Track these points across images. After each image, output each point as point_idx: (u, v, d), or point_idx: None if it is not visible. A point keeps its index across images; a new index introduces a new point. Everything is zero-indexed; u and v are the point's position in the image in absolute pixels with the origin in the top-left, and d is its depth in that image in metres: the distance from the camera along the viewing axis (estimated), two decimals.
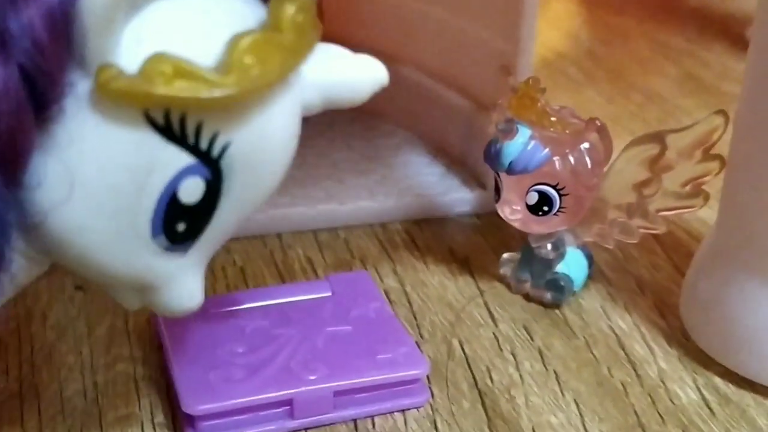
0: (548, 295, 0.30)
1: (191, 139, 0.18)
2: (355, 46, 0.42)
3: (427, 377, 0.27)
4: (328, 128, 0.40)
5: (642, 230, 0.29)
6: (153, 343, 0.28)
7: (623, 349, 0.28)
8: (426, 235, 0.34)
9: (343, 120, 0.41)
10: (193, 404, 0.24)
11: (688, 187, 0.28)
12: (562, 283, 0.30)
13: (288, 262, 0.32)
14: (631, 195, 0.29)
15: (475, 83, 0.37)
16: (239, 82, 0.17)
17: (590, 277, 0.31)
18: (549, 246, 0.30)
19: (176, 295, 0.20)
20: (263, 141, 0.19)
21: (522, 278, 0.30)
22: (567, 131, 0.28)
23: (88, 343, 0.28)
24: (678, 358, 0.28)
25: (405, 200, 0.36)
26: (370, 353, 0.26)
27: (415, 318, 0.30)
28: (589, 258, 0.31)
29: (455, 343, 0.29)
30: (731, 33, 0.52)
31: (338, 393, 0.25)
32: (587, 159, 0.28)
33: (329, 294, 0.28)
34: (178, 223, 0.19)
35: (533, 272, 0.30)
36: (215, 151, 0.18)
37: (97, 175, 0.17)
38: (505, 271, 0.31)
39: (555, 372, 0.27)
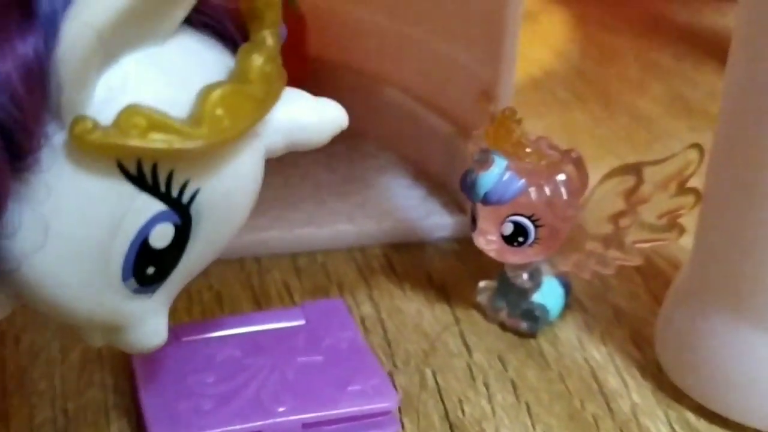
0: (524, 325, 0.30)
1: (162, 188, 0.18)
2: (338, 68, 0.42)
3: (399, 408, 0.27)
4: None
5: (618, 262, 0.29)
6: (126, 370, 0.28)
7: (596, 381, 0.28)
8: (404, 259, 0.34)
9: None
10: None
11: (663, 220, 0.28)
12: (537, 314, 0.30)
13: (264, 287, 0.32)
14: (607, 226, 0.29)
15: (456, 107, 0.37)
16: (210, 134, 0.18)
17: (567, 306, 0.31)
18: (525, 275, 0.30)
19: (141, 334, 0.21)
20: (231, 187, 0.20)
21: (498, 307, 0.30)
22: (543, 162, 0.28)
23: (60, 369, 0.28)
24: (651, 392, 0.28)
25: (385, 224, 0.35)
26: (341, 384, 0.26)
27: (389, 346, 0.30)
28: (566, 287, 0.31)
29: (428, 372, 0.28)
30: (721, 53, 0.52)
31: (307, 425, 0.25)
32: (563, 190, 0.28)
33: (302, 322, 0.28)
34: (148, 266, 0.19)
35: (509, 301, 0.30)
36: (185, 198, 0.19)
37: (71, 224, 0.18)
38: (481, 299, 0.31)
39: (527, 404, 0.27)
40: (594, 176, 0.29)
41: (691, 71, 0.51)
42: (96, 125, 0.17)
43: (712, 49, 0.53)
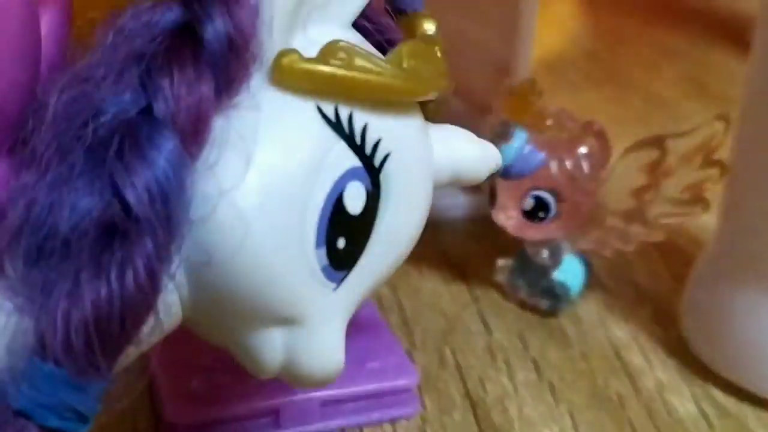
0: (544, 303, 0.29)
1: (358, 139, 0.18)
2: None
3: (418, 386, 0.26)
4: None
5: (640, 237, 0.28)
6: None
7: (620, 360, 0.28)
8: (420, 239, 0.34)
9: None
10: (176, 413, 0.24)
11: (687, 194, 0.28)
12: (558, 291, 0.29)
13: None
14: (629, 201, 0.28)
15: (471, 85, 0.36)
16: (408, 79, 0.18)
17: (588, 285, 0.30)
18: (545, 253, 0.29)
19: (319, 344, 0.19)
20: (415, 169, 0.19)
21: (517, 285, 0.30)
22: (564, 135, 0.28)
23: None
24: (676, 370, 0.27)
25: None
26: (359, 362, 0.25)
27: (407, 326, 0.29)
28: (587, 266, 0.30)
29: (447, 352, 0.28)
30: (735, 35, 0.52)
31: (325, 402, 0.25)
32: (585, 164, 0.28)
33: None
34: (340, 236, 0.18)
35: (529, 279, 0.29)
36: (378, 158, 0.18)
37: (274, 157, 0.17)
38: (500, 277, 0.30)
39: (549, 383, 0.27)
40: (612, 154, 0.28)
41: (705, 54, 0.51)
42: (302, 56, 0.17)
43: (726, 31, 0.53)
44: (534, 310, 0.30)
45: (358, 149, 0.18)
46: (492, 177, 0.28)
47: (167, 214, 0.15)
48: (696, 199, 0.28)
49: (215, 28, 0.16)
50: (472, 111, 0.36)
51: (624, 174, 0.28)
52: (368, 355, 0.25)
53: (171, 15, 0.16)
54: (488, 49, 0.34)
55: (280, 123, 0.17)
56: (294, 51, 0.17)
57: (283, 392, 0.24)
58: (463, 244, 0.33)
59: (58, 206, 0.15)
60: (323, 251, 0.18)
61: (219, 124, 0.16)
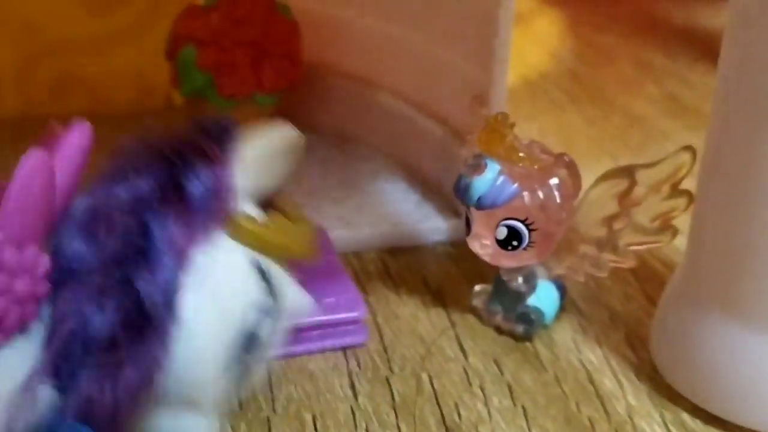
0: (519, 328, 0.30)
1: (267, 280, 0.23)
2: (332, 73, 0.42)
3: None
4: (308, 153, 0.40)
5: (612, 264, 0.29)
6: None
7: (592, 384, 0.29)
8: (400, 264, 0.34)
9: (322, 145, 0.41)
10: None
11: (657, 222, 0.28)
12: (533, 317, 0.30)
13: None
14: (601, 229, 0.29)
15: (450, 111, 0.37)
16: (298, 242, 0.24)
17: (562, 308, 0.31)
18: (520, 279, 0.30)
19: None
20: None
21: (494, 311, 0.31)
22: (536, 166, 0.28)
23: None
24: (647, 393, 0.28)
25: (380, 229, 0.36)
26: (318, 297, 0.28)
27: (386, 351, 0.30)
28: (562, 290, 0.31)
29: (425, 377, 0.29)
30: (715, 52, 0.52)
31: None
32: (556, 194, 0.28)
33: None
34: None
35: (504, 305, 0.30)
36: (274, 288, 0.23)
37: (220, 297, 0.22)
38: (477, 303, 0.31)
39: (523, 407, 0.27)
40: (589, 177, 0.29)
41: (686, 71, 0.51)
42: (255, 220, 0.23)
43: (707, 48, 0.54)
44: (510, 334, 0.30)
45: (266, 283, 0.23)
46: (467, 207, 0.29)
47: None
48: (665, 227, 0.28)
49: (202, 183, 0.21)
50: (448, 136, 0.37)
51: (596, 202, 0.29)
52: (325, 293, 0.29)
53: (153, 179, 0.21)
54: (465, 76, 0.35)
55: (226, 266, 0.22)
56: (250, 215, 0.22)
57: None
58: (442, 268, 0.34)
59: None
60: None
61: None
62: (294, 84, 0.40)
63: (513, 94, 0.38)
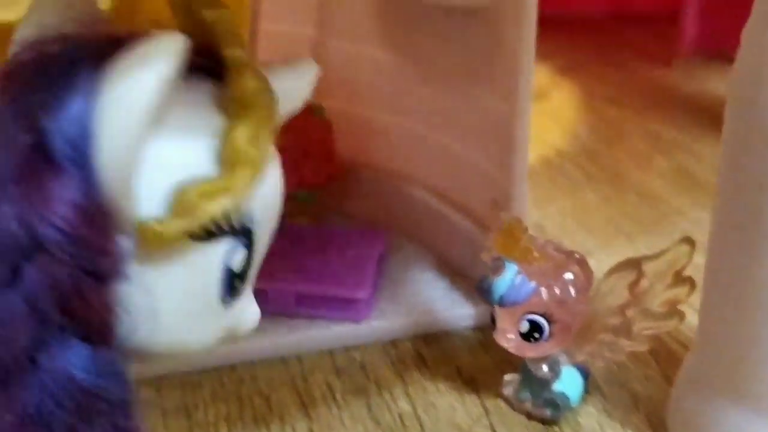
0: (547, 413, 0.33)
1: (228, 228, 0.21)
2: (366, 167, 0.45)
3: None
4: None
5: (628, 348, 0.32)
6: None
7: None
8: (434, 352, 0.37)
9: None
10: None
11: (665, 308, 0.31)
12: (559, 402, 0.32)
13: (309, 389, 0.35)
14: (616, 317, 0.31)
15: (476, 205, 0.40)
16: (252, 171, 0.21)
17: (587, 391, 0.34)
18: (545, 367, 0.33)
19: (246, 322, 0.24)
20: (267, 197, 0.22)
21: (523, 398, 0.33)
22: (550, 264, 0.31)
23: None
24: None
25: (413, 317, 0.38)
26: (334, 274, 0.37)
27: None
28: (585, 374, 0.33)
29: None
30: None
31: (299, 296, 0.37)
32: (571, 288, 0.31)
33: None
34: (236, 283, 0.22)
35: (532, 391, 0.33)
36: (247, 224, 0.21)
37: (171, 296, 0.21)
38: (507, 392, 0.34)
39: None
40: (605, 258, 0.31)
41: (695, 143, 0.54)
42: (158, 223, 0.19)
43: (715, 119, 0.56)
44: (539, 419, 0.33)
45: (232, 233, 0.21)
46: (491, 305, 0.32)
47: None
48: (672, 312, 0.31)
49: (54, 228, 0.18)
50: (474, 227, 0.40)
51: (609, 293, 0.31)
52: (345, 276, 0.37)
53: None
54: (487, 176, 0.38)
55: (164, 271, 0.20)
56: (146, 224, 0.19)
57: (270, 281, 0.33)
58: (473, 355, 0.37)
59: None
60: (228, 298, 0.22)
61: (114, 300, 0.19)
62: (330, 180, 0.44)
63: (532, 174, 0.40)
